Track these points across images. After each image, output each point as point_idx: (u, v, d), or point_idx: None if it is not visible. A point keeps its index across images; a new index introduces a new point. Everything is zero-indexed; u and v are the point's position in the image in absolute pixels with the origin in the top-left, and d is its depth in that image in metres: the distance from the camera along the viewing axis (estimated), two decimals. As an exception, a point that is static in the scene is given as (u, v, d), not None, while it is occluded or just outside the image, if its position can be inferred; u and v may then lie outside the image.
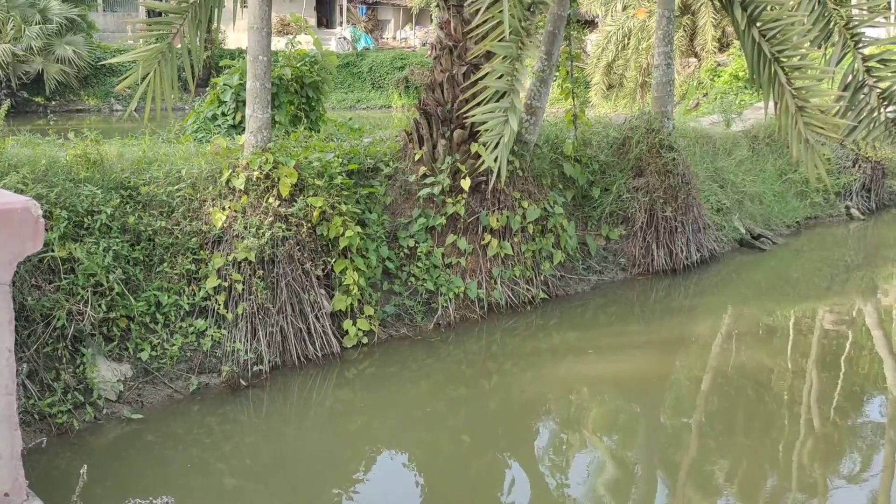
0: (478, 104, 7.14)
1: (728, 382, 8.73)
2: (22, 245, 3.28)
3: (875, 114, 7.02)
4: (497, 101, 6.75)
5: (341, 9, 42.87)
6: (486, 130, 6.55)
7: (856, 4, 7.42)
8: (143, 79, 8.02)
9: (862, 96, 7.03)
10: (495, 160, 6.87)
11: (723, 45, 25.19)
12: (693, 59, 25.31)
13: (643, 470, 6.93)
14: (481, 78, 6.54)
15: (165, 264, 8.03)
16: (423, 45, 40.52)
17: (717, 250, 12.72)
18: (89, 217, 7.65)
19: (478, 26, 6.29)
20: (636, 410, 8.12)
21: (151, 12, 38.47)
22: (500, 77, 6.47)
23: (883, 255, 14.49)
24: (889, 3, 21.61)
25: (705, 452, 7.18)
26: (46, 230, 7.27)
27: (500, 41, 6.32)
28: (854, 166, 16.16)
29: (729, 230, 13.39)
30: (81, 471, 4.81)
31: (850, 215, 15.97)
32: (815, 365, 9.11)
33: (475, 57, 8.78)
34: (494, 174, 6.63)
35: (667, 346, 9.62)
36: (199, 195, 8.48)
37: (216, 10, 8.03)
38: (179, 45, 7.89)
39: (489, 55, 8.09)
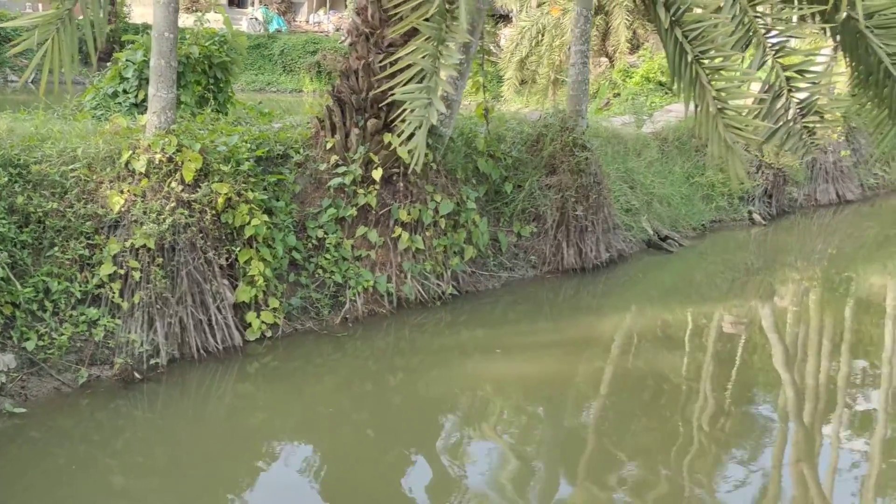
0: (396, 87, 6.92)
1: (628, 382, 8.78)
2: None
3: (792, 123, 7.14)
4: (419, 82, 6.55)
5: (254, -11, 41.93)
6: (409, 112, 6.32)
7: (770, 14, 7.51)
8: (41, 47, 7.46)
9: (780, 104, 7.14)
10: (412, 147, 6.68)
11: (634, 47, 25.58)
12: (604, 59, 25.62)
13: (543, 465, 6.92)
14: (405, 56, 6.32)
15: (56, 248, 7.55)
16: (337, 30, 40.00)
17: (626, 250, 12.84)
18: (-28, 196, 7.13)
19: (399, 4, 6.07)
20: (539, 409, 8.08)
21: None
22: (423, 57, 6.27)
23: (781, 259, 14.91)
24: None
25: (603, 449, 7.20)
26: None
27: (425, 20, 6.13)
28: (757, 172, 16.58)
29: (637, 231, 13.55)
30: None
31: (752, 220, 16.39)
32: (711, 365, 9.25)
33: (396, 36, 8.56)
34: (413, 160, 6.43)
35: (573, 346, 9.62)
36: (95, 177, 8.01)
37: None
38: (81, 17, 7.36)
39: (407, 41, 7.88)
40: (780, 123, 7.11)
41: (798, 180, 17.85)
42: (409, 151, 6.44)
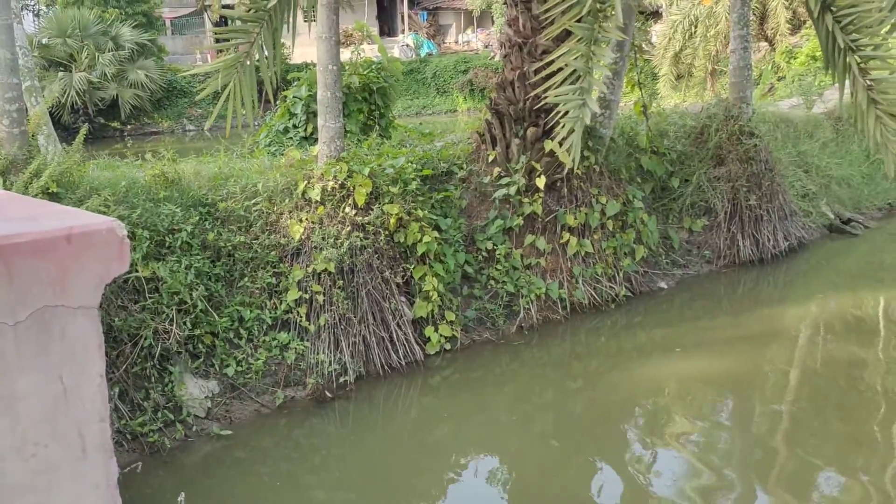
0: (550, 90, 6.91)
1: (818, 380, 8.35)
2: (108, 267, 3.21)
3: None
4: (572, 83, 6.53)
5: (402, 16, 43.05)
6: (564, 115, 6.30)
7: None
8: (224, 90, 7.88)
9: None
10: (567, 147, 6.64)
11: (795, 27, 24.41)
12: (764, 44, 24.59)
13: (733, 474, 6.64)
14: (557, 59, 6.31)
15: (246, 279, 8.04)
16: (486, 47, 40.40)
17: (806, 237, 12.25)
18: (170, 236, 7.70)
19: (551, 7, 6.08)
20: (725, 411, 7.82)
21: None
22: (575, 58, 6.24)
23: None
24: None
25: (795, 455, 6.85)
26: (130, 250, 7.35)
27: (577, 21, 6.10)
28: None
29: (816, 216, 12.90)
30: (179, 499, 4.78)
31: (946, 194, 15.22)
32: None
33: (548, 42, 8.58)
34: (571, 161, 6.40)
35: (756, 340, 9.24)
36: (275, 208, 8.48)
37: (290, 13, 7.79)
38: (257, 57, 7.73)
39: (560, 45, 7.89)
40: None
41: None
42: (568, 152, 6.41)
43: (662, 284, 10.65)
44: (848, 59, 6.62)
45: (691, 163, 11.51)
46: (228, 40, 8.13)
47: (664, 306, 10.23)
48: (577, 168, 6.84)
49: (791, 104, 16.52)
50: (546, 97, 6.61)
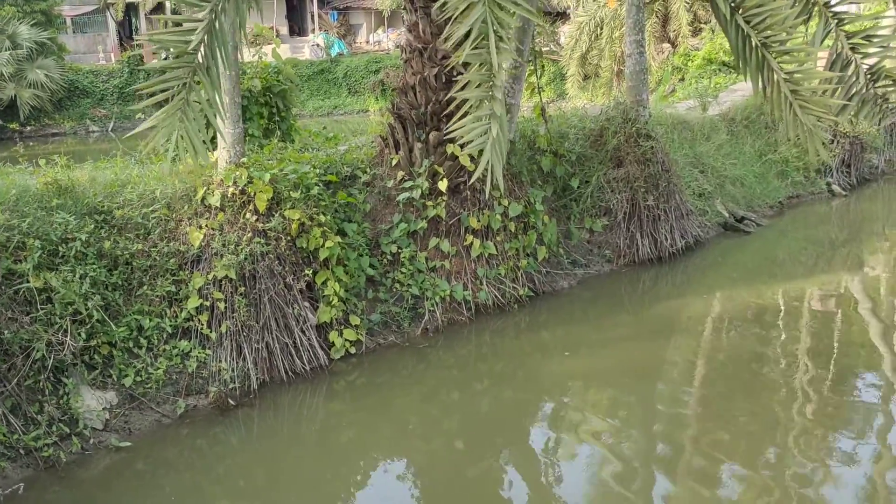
0: (458, 114, 6.90)
1: (721, 369, 8.69)
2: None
3: (864, 91, 6.97)
4: (477, 109, 6.58)
5: (312, 16, 42.66)
6: (469, 143, 6.35)
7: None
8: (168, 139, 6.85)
9: (849, 74, 6.99)
10: (483, 167, 6.64)
11: (696, 30, 25.18)
12: (667, 45, 25.28)
13: (641, 464, 6.86)
14: (461, 89, 6.37)
15: (145, 287, 7.91)
16: (397, 47, 40.32)
17: (702, 236, 12.68)
18: (64, 245, 7.52)
19: (449, 36, 6.13)
20: (630, 403, 8.05)
21: (122, 34, 38.14)
22: (478, 86, 6.30)
23: (867, 229, 14.49)
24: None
25: (701, 439, 7.12)
26: (20, 261, 7.16)
27: (473, 48, 6.15)
28: (833, 142, 16.14)
29: (712, 215, 13.36)
30: None
31: (831, 192, 15.97)
32: (806, 346, 9.07)
33: (448, 48, 8.64)
34: (489, 182, 6.48)
35: (657, 337, 9.55)
36: (174, 215, 8.36)
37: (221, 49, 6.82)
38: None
39: (458, 47, 7.93)
40: (853, 93, 6.95)
41: (877, 146, 17.31)
42: (483, 176, 6.45)
43: (564, 284, 10.89)
44: (762, 55, 6.87)
45: (591, 164, 11.79)
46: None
47: (567, 306, 10.46)
48: (495, 183, 6.79)
49: (688, 106, 17.06)
50: (454, 127, 6.60)
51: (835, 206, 15.59)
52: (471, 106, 6.43)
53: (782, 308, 10.23)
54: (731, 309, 10.38)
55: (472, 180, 6.41)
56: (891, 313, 10.08)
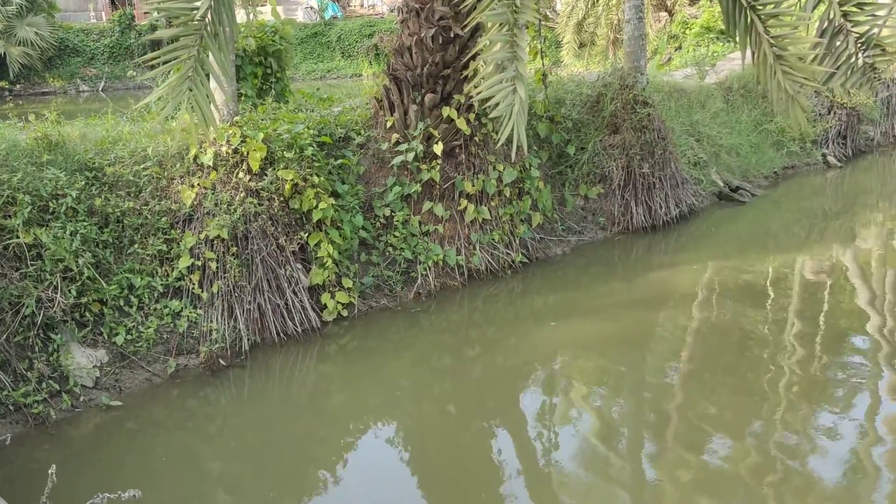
0: (469, 74, 6.73)
1: (710, 338, 8.68)
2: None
3: (853, 59, 6.88)
4: (500, 71, 6.41)
5: (306, -23, 42.13)
6: (496, 105, 6.15)
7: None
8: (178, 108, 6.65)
9: (839, 42, 6.88)
10: (509, 133, 6.47)
11: (693, -2, 24.99)
12: (664, 14, 25.09)
13: (629, 429, 6.87)
14: (473, 57, 6.21)
15: (136, 245, 7.84)
16: (391, 11, 39.96)
17: (696, 205, 12.65)
18: (54, 201, 7.44)
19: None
20: (621, 370, 8.04)
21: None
22: (499, 47, 6.14)
23: (861, 201, 14.47)
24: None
25: (690, 407, 7.13)
26: (10, 216, 7.07)
27: (490, 9, 6.00)
28: (829, 113, 16.09)
29: (707, 184, 13.32)
30: (50, 471, 4.64)
31: (826, 163, 15.94)
32: (795, 315, 9.07)
33: (445, 9, 8.49)
34: (514, 147, 6.32)
35: (649, 305, 9.53)
36: (166, 173, 8.27)
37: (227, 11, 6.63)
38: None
39: (457, 14, 7.83)
40: (841, 61, 6.85)
41: (873, 118, 17.27)
42: (508, 140, 6.29)
43: (558, 251, 10.86)
44: (750, 17, 6.76)
45: (587, 131, 11.71)
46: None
47: (560, 272, 10.43)
48: (509, 144, 6.62)
49: (685, 74, 16.96)
50: (479, 90, 6.42)
51: (829, 177, 15.57)
52: (490, 68, 6.28)
53: (773, 280, 10.22)
54: (721, 280, 10.37)
55: (498, 144, 6.23)
56: (881, 286, 10.09)
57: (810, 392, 7.29)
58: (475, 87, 6.40)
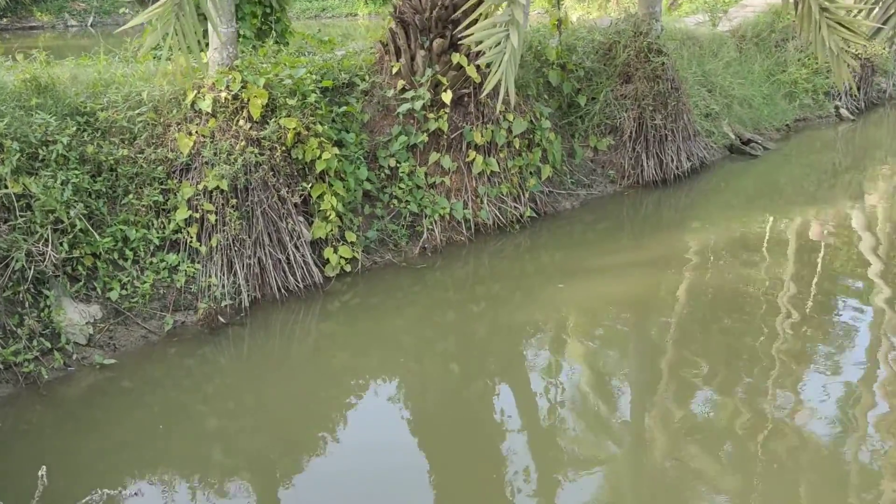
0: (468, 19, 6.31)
1: (717, 297, 8.38)
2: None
3: (905, 11, 6.53)
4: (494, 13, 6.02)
5: None
6: (488, 49, 5.78)
7: None
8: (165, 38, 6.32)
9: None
10: (497, 80, 6.12)
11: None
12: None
13: (632, 386, 6.72)
14: None
15: (131, 196, 7.47)
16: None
17: (708, 158, 12.31)
18: (44, 148, 7.04)
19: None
20: (626, 329, 7.81)
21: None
22: None
23: (870, 156, 14.17)
24: None
25: (689, 364, 6.94)
26: (-3, 165, 6.69)
27: None
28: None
29: (718, 136, 12.96)
30: (40, 472, 4.34)
31: (839, 116, 15.56)
32: (799, 272, 8.84)
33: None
34: (501, 95, 5.97)
35: (656, 263, 9.23)
36: (162, 120, 7.86)
37: None
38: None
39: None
40: (891, 14, 6.47)
41: (887, 69, 16.83)
42: (495, 89, 5.93)
43: (567, 205, 10.53)
44: None
45: (599, 80, 11.29)
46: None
47: (567, 228, 10.12)
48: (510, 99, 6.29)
49: (697, 21, 16.44)
50: (469, 32, 6.03)
51: (841, 130, 15.22)
52: (485, 10, 5.91)
53: (777, 237, 9.93)
54: (729, 238, 10.05)
55: (483, 93, 5.89)
56: (887, 244, 9.83)
57: (802, 354, 7.08)
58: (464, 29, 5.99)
